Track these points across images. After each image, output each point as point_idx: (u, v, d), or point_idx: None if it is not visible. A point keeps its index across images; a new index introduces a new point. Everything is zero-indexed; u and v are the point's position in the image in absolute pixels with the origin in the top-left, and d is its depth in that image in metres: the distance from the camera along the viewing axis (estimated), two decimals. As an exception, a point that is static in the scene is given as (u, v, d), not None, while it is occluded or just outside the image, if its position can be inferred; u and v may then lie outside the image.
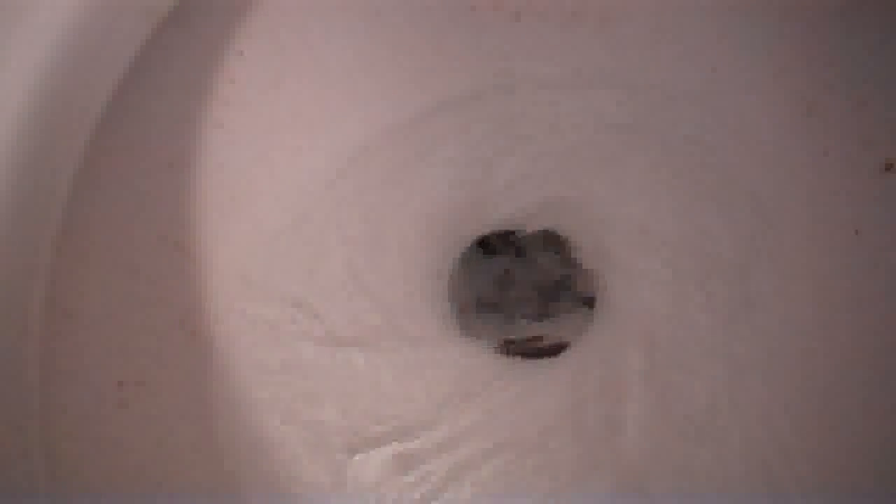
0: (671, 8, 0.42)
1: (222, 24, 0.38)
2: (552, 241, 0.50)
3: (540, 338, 0.48)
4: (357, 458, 0.43)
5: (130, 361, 0.39)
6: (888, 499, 0.40)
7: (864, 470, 0.42)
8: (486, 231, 0.48)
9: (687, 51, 0.43)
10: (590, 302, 0.48)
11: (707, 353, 0.44)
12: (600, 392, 0.44)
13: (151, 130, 0.38)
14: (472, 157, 0.45)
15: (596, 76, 0.44)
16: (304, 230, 0.43)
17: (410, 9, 0.42)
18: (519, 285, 0.51)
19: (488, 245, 0.51)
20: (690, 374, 0.44)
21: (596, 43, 0.44)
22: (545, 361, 0.46)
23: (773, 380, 0.43)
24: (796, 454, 0.42)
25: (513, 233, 0.49)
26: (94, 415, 0.38)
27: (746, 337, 0.43)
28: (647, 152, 0.45)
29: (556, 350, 0.47)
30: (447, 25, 0.43)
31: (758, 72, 0.42)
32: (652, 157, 0.45)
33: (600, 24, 0.43)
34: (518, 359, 0.46)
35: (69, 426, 0.37)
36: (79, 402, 0.37)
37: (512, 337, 0.48)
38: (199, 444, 0.40)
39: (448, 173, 0.45)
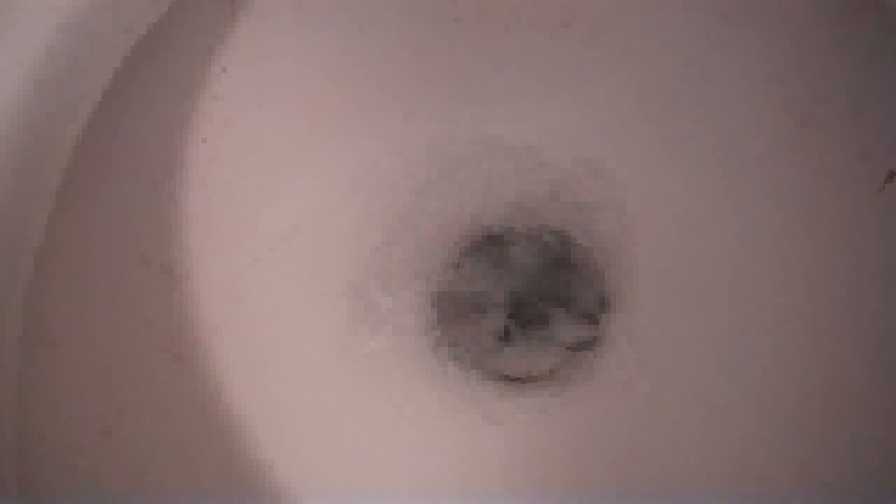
0: (663, 16, 0.42)
1: (204, 40, 0.38)
2: (552, 250, 0.49)
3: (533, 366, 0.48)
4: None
5: (113, 389, 0.38)
6: (888, 499, 0.40)
7: (860, 479, 0.41)
8: (478, 237, 0.47)
9: (679, 60, 0.42)
10: (592, 319, 0.48)
11: (709, 364, 0.43)
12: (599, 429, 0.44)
13: (132, 149, 0.37)
14: (465, 166, 0.45)
15: (587, 85, 0.44)
16: (293, 248, 0.43)
17: (394, 22, 0.41)
18: (512, 300, 0.50)
19: (481, 255, 0.50)
20: (693, 383, 0.44)
21: (586, 52, 0.43)
22: (538, 387, 0.46)
23: (773, 395, 0.43)
24: (798, 459, 0.42)
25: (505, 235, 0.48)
26: (75, 445, 0.37)
27: (745, 354, 0.43)
28: (639, 162, 0.44)
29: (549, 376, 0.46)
30: (432, 38, 0.42)
31: (751, 81, 0.42)
32: (645, 168, 0.44)
33: (591, 34, 0.43)
34: (509, 386, 0.46)
35: (48, 456, 0.36)
36: (58, 431, 0.36)
37: (503, 364, 0.48)
38: (185, 474, 0.39)
39: (441, 183, 0.45)
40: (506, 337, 0.48)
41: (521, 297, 0.49)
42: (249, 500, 0.40)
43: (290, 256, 0.42)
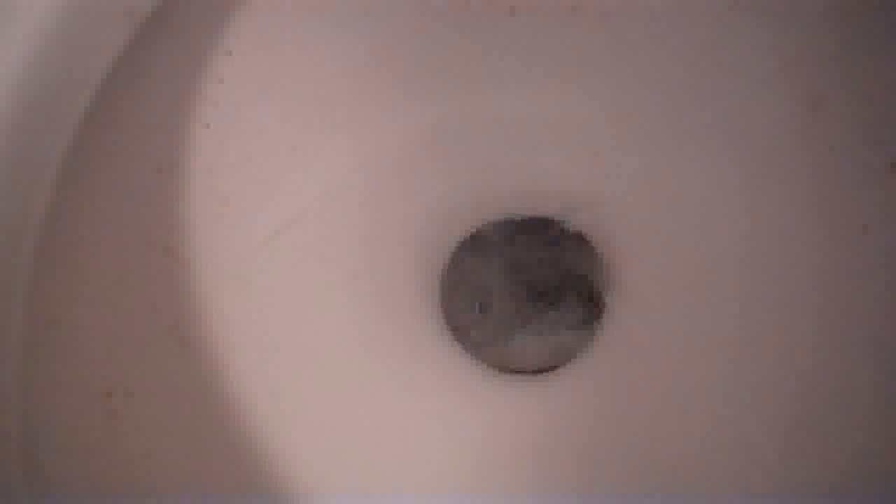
0: (672, 2, 0.42)
1: (210, 22, 0.38)
2: (555, 237, 0.49)
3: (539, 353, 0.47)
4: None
5: (119, 371, 0.38)
6: (887, 499, 0.39)
7: (868, 471, 0.41)
8: (484, 225, 0.47)
9: (689, 45, 0.42)
10: (596, 307, 0.47)
11: (714, 355, 0.43)
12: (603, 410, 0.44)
13: (137, 133, 0.37)
14: (471, 154, 0.45)
15: (594, 71, 0.43)
16: (299, 232, 0.43)
17: (403, 6, 0.41)
18: (517, 288, 0.50)
19: (486, 244, 0.50)
20: (697, 376, 0.43)
21: (595, 38, 0.43)
22: (545, 377, 0.45)
23: (780, 382, 0.42)
24: (804, 456, 0.41)
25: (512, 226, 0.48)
26: (82, 426, 0.37)
27: (753, 338, 0.43)
28: (648, 148, 0.44)
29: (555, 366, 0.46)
30: (441, 22, 0.42)
31: (761, 66, 0.42)
32: (653, 153, 0.44)
33: (599, 19, 0.43)
34: (516, 375, 0.46)
35: (55, 438, 0.36)
36: (65, 413, 0.36)
37: (509, 349, 0.47)
38: (192, 455, 0.39)
39: (447, 171, 0.45)
40: (510, 328, 0.48)
41: (525, 287, 0.49)
42: (254, 482, 0.40)
43: (296, 242, 0.42)
